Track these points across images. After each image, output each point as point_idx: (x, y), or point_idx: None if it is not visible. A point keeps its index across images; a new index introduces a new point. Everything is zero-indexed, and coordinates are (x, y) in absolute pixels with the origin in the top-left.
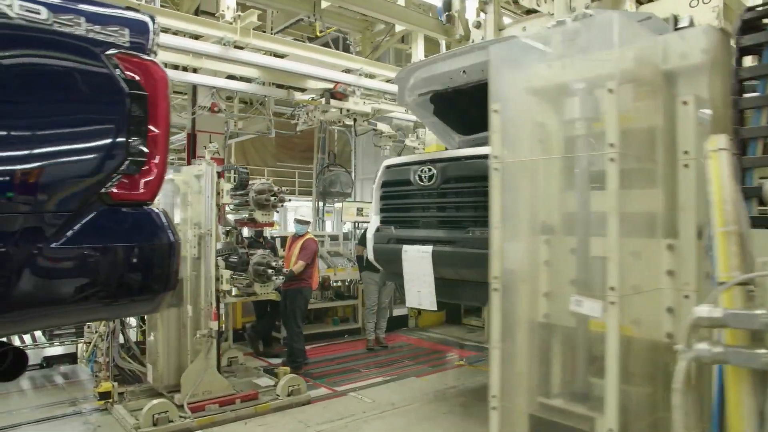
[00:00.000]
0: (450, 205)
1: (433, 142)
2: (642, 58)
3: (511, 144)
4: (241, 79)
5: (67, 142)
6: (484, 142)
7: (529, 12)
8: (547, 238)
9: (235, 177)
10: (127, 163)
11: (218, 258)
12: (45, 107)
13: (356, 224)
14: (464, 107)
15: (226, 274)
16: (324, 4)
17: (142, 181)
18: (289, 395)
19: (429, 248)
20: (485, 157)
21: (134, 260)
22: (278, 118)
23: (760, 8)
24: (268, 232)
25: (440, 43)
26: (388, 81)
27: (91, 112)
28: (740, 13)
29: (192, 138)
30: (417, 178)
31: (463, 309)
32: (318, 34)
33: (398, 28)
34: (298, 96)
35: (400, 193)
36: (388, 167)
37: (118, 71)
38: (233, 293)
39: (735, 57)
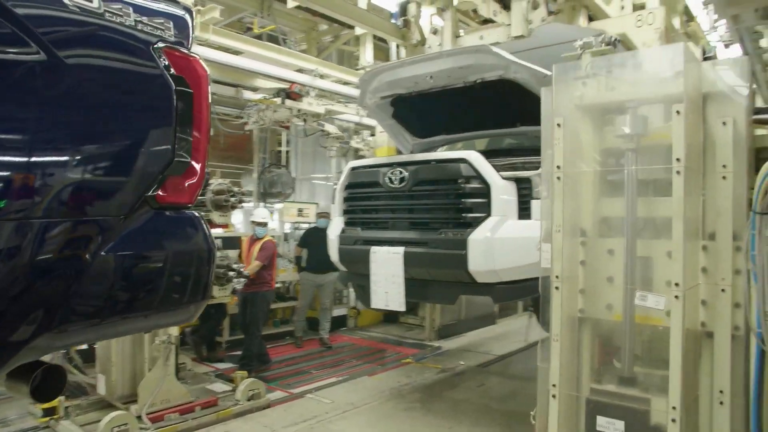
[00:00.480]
0: (422, 207)
1: (383, 144)
2: (694, 84)
3: (569, 156)
4: None
5: (117, 140)
6: (439, 145)
7: (486, 21)
8: (583, 240)
9: None
10: (174, 163)
11: None
12: (97, 103)
13: (296, 225)
14: (423, 111)
15: None
16: (291, 4)
17: (186, 183)
18: (249, 400)
19: (400, 249)
20: (458, 161)
21: (180, 268)
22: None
23: None
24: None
25: (390, 47)
26: (340, 82)
27: (142, 110)
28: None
29: None
30: (387, 180)
31: None
32: (257, 30)
33: (358, 30)
34: (249, 95)
35: (367, 195)
36: (354, 169)
37: (166, 67)
38: None
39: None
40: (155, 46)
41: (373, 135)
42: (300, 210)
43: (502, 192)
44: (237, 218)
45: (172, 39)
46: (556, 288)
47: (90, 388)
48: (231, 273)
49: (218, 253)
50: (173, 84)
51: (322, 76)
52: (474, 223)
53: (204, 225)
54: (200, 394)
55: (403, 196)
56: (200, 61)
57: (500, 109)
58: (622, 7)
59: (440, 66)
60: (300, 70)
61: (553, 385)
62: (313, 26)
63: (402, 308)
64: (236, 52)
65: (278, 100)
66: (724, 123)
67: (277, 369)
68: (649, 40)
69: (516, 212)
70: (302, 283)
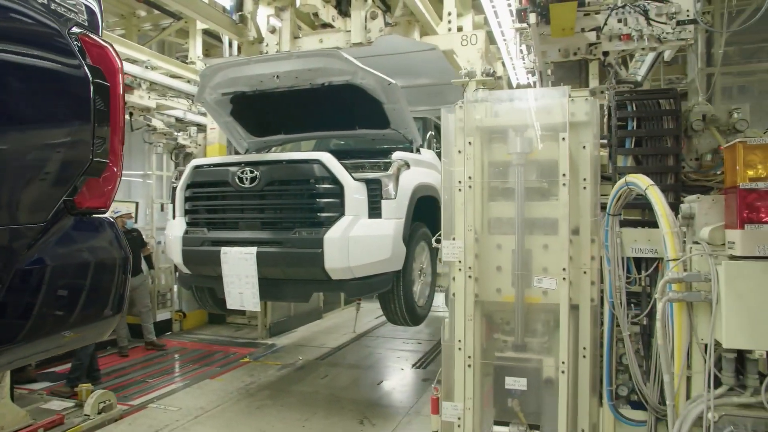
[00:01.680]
0: (274, 206)
1: (215, 142)
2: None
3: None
4: None
5: (31, 140)
6: (276, 144)
7: (325, 26)
8: (476, 237)
9: None
10: (92, 164)
11: None
12: (10, 97)
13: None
14: (263, 110)
15: None
16: None
17: (103, 185)
18: (100, 413)
19: (253, 249)
20: (311, 161)
21: (101, 278)
22: None
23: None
24: None
25: (224, 42)
26: (171, 76)
27: (58, 104)
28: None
29: None
30: (237, 180)
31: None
32: None
33: (200, 25)
34: None
35: (214, 195)
36: (197, 168)
37: (81, 54)
38: None
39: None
40: (72, 30)
41: (202, 131)
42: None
43: (355, 192)
44: None
45: (86, 23)
46: (469, 277)
47: None
48: None
49: None
50: (90, 76)
51: (153, 68)
52: (328, 223)
53: (118, 230)
54: (37, 415)
55: (255, 196)
56: (113, 50)
57: (341, 111)
58: (449, 29)
59: (289, 67)
60: (131, 61)
61: (469, 357)
62: (132, 11)
63: (257, 308)
64: None
65: None
66: (584, 147)
67: (107, 382)
68: (472, 59)
69: (367, 211)
70: (133, 286)
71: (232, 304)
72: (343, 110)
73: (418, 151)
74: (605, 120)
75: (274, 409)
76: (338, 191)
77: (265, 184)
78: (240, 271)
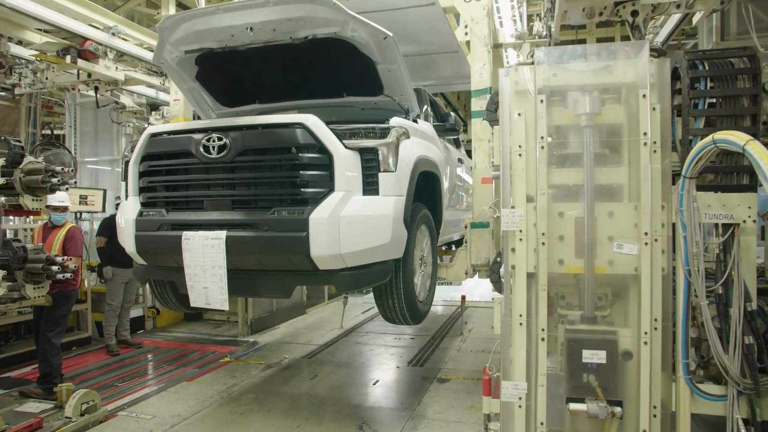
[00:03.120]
0: (248, 181)
1: (179, 115)
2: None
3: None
4: None
5: None
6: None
7: None
8: (535, 205)
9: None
10: None
11: None
12: None
13: (78, 215)
14: (234, 74)
15: None
16: None
17: None
18: (82, 414)
19: (222, 233)
20: (293, 125)
21: None
22: None
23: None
24: None
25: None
26: (142, 46)
27: None
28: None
29: None
30: (202, 150)
31: None
32: None
33: None
34: (17, 49)
35: (174, 168)
36: (153, 136)
37: None
38: None
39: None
40: None
41: None
42: (84, 197)
43: (347, 163)
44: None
45: None
46: (543, 244)
47: None
48: (54, 267)
49: (30, 245)
50: None
51: (122, 37)
52: (314, 200)
53: None
54: (12, 419)
55: (224, 169)
56: None
57: (326, 75)
58: None
59: (265, 16)
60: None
61: (543, 329)
62: None
63: (224, 306)
64: None
65: (67, 58)
66: (653, 108)
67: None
68: (477, 16)
69: (362, 187)
70: (109, 279)
71: (195, 301)
72: (328, 74)
73: (415, 122)
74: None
75: (260, 414)
76: (326, 162)
77: (236, 154)
78: (205, 261)
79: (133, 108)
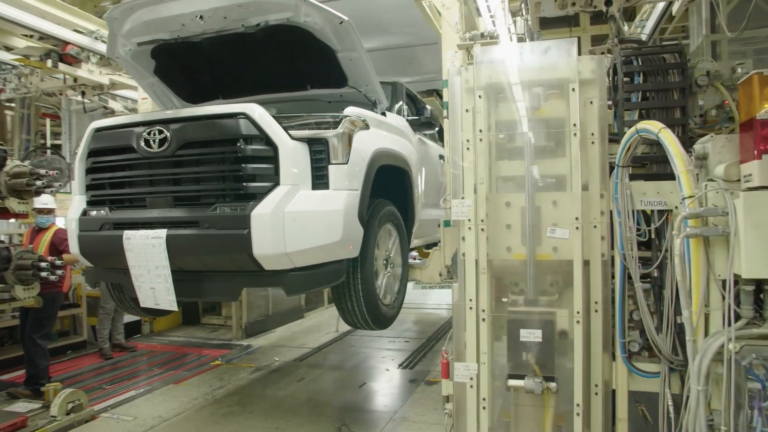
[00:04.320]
0: (189, 176)
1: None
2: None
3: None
4: None
5: None
6: None
7: None
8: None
9: None
10: None
11: None
12: None
13: None
14: (194, 68)
15: None
16: None
17: None
18: (68, 414)
19: (162, 232)
20: (235, 115)
21: None
22: None
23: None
24: None
25: None
26: None
27: None
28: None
29: None
30: (143, 144)
31: (202, 308)
32: None
33: None
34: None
35: (117, 164)
36: (97, 130)
37: None
38: None
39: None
40: None
41: None
42: None
43: (293, 155)
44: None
45: None
46: (482, 230)
47: None
48: (43, 264)
49: (19, 249)
50: None
51: (104, 41)
52: (258, 195)
53: None
54: None
55: (165, 163)
56: None
57: (288, 67)
58: None
59: (214, 2)
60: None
61: (483, 310)
62: None
63: (173, 307)
64: None
65: (48, 62)
66: (591, 102)
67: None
68: (448, 2)
69: (310, 180)
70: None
71: (144, 302)
72: (290, 66)
73: (383, 114)
74: (609, 80)
75: (242, 416)
76: (271, 154)
77: (177, 147)
78: (149, 261)
79: (123, 112)
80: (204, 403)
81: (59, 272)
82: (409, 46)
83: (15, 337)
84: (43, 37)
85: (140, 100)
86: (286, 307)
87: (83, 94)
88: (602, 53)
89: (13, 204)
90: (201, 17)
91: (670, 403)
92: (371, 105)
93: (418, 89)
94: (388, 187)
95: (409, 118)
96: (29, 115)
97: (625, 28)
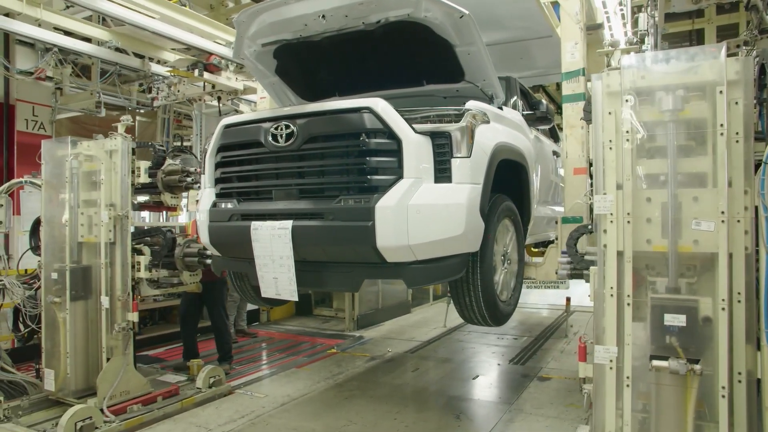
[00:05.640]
0: (314, 169)
1: None
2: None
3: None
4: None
5: None
6: None
7: None
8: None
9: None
10: None
11: (137, 242)
12: None
13: None
14: (313, 66)
15: (144, 260)
16: None
17: None
18: (210, 387)
19: (288, 223)
20: (360, 110)
21: None
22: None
23: None
24: None
25: None
26: None
27: None
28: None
29: (7, 108)
30: (271, 139)
31: (313, 299)
32: None
33: None
34: (156, 67)
35: (246, 158)
36: (227, 127)
37: None
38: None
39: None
40: None
41: None
42: None
43: (416, 148)
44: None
45: None
46: (628, 222)
47: (30, 387)
48: (207, 252)
49: (180, 240)
50: None
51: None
52: (382, 188)
53: None
54: (155, 386)
55: (292, 158)
56: None
57: (405, 63)
58: None
59: (336, 2)
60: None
61: (628, 296)
62: (221, 1)
63: (293, 297)
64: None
65: (195, 72)
66: (736, 102)
67: None
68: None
69: (433, 174)
70: None
71: (266, 291)
72: (406, 62)
73: (500, 108)
74: (756, 78)
75: (362, 399)
76: (394, 147)
77: (303, 142)
78: (273, 251)
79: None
80: (326, 386)
81: None
82: (522, 40)
83: (155, 319)
84: (189, 49)
85: (258, 100)
86: (395, 301)
87: (219, 99)
88: (738, 45)
89: (167, 198)
90: (323, 17)
91: None
92: (488, 99)
93: (527, 85)
94: (506, 183)
95: (525, 113)
96: (169, 120)
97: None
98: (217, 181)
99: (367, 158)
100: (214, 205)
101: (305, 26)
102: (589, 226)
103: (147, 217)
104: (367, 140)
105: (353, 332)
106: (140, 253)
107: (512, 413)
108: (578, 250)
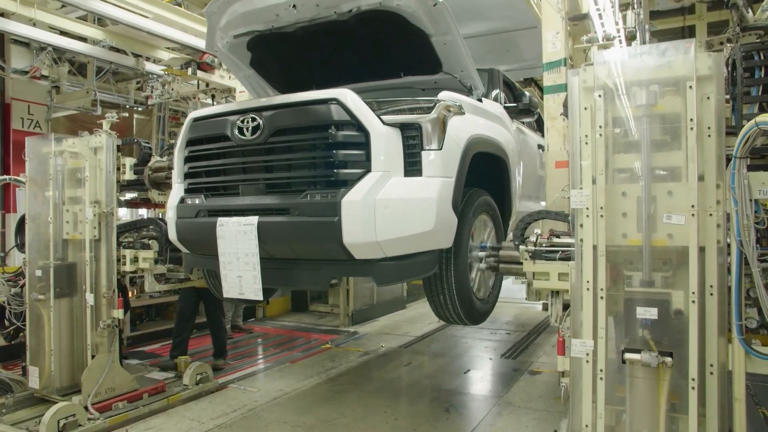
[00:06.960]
0: (281, 163)
1: None
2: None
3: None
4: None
5: None
6: None
7: None
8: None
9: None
10: None
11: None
12: None
13: None
14: (288, 57)
15: (130, 253)
16: None
17: None
18: (197, 384)
19: (254, 219)
20: (327, 101)
21: None
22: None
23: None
24: None
25: None
26: None
27: None
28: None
29: (2, 107)
30: (237, 132)
31: (310, 295)
32: None
33: None
34: (150, 66)
35: (213, 152)
36: (195, 120)
37: None
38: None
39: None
40: None
41: None
42: None
43: (385, 141)
44: None
45: None
46: (601, 216)
47: (15, 384)
48: None
49: None
50: None
51: None
52: (349, 182)
53: None
54: (141, 383)
55: (258, 151)
56: None
57: (381, 54)
58: None
59: None
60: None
61: (601, 289)
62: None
63: (258, 297)
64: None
65: (188, 70)
66: (707, 97)
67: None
68: None
69: (402, 167)
70: None
71: (229, 291)
72: (384, 53)
73: (480, 100)
74: (727, 75)
75: (354, 394)
76: (362, 140)
77: (269, 135)
78: (239, 249)
79: None
80: (319, 381)
81: None
82: (507, 32)
83: (151, 315)
84: (183, 48)
85: (238, 94)
86: (389, 297)
87: (213, 97)
88: (721, 42)
89: (154, 195)
90: (294, 6)
91: None
92: (467, 91)
93: (515, 78)
94: (485, 177)
95: (507, 105)
96: (164, 118)
97: (750, 14)
98: (186, 176)
99: (334, 151)
100: (182, 200)
101: (277, 16)
102: (541, 213)
103: (144, 214)
104: (333, 132)
105: (348, 328)
106: (147, 247)
107: (501, 406)
108: (528, 239)
